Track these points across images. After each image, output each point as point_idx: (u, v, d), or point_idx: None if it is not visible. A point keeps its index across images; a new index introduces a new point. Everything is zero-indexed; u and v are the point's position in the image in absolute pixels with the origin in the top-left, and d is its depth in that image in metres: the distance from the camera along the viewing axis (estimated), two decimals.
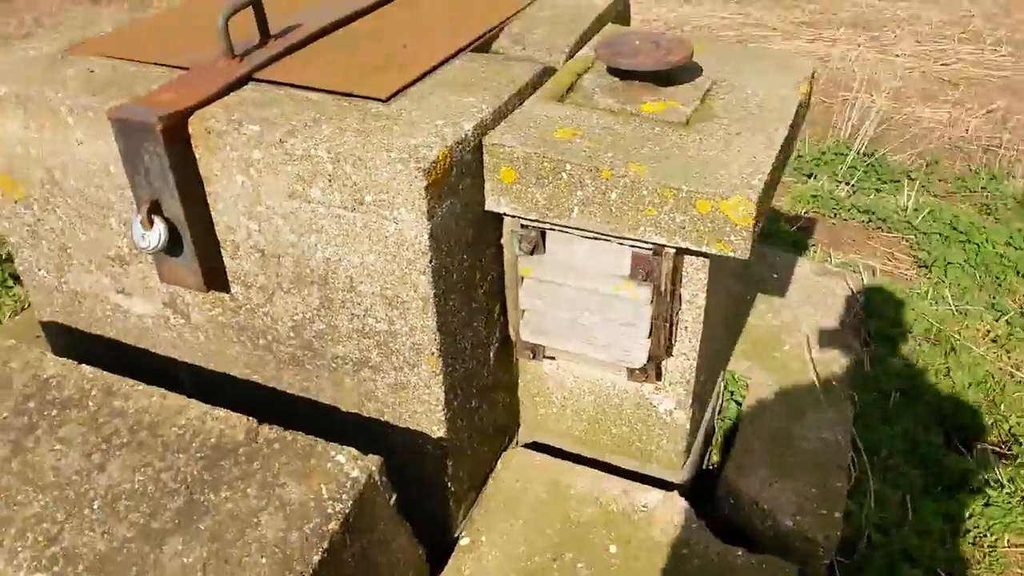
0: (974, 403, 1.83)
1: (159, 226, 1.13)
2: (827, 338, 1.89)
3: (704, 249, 1.17)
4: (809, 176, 3.39)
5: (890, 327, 2.02)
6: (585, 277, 1.30)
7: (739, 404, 1.66)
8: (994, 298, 2.36)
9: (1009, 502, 1.57)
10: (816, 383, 1.72)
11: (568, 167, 1.18)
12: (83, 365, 1.19)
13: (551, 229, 1.29)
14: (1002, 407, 1.83)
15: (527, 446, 1.55)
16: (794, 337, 1.87)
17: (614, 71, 1.44)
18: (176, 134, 1.10)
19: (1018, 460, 1.68)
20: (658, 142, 1.24)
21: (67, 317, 1.45)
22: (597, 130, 1.26)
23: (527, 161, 1.19)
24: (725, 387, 1.70)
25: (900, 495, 1.55)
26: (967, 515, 1.55)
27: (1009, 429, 1.78)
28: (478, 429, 1.40)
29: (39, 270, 1.41)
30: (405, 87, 1.26)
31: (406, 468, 1.33)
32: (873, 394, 1.74)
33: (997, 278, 2.51)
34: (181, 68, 1.26)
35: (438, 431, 1.27)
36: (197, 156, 1.15)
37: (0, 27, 5.74)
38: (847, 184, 3.27)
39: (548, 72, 1.44)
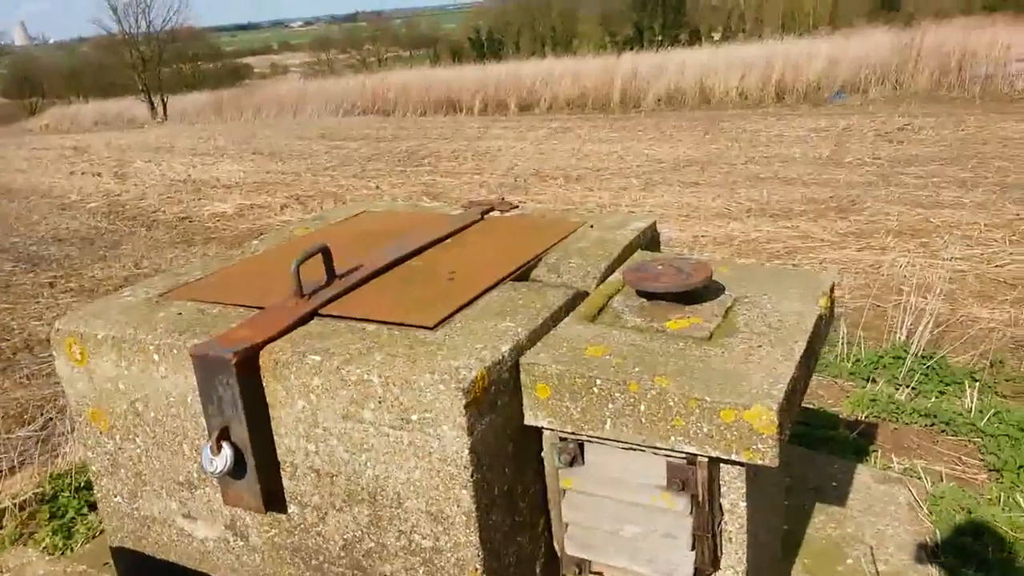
0: None
1: (227, 451, 1.24)
2: (893, 550, 1.81)
3: (734, 457, 1.20)
4: (867, 380, 3.37)
5: (961, 536, 1.92)
6: (624, 488, 1.34)
7: None
8: None
9: None
10: None
11: (599, 382, 1.26)
12: None
13: (588, 441, 1.35)
14: None
15: None
16: (857, 549, 1.80)
17: (641, 293, 1.57)
18: (248, 367, 1.25)
19: None
20: (683, 356, 1.32)
21: (135, 542, 1.53)
22: (625, 347, 1.36)
23: (561, 377, 1.28)
24: None
25: None
26: None
27: None
28: None
29: (115, 497, 1.53)
30: (450, 315, 1.40)
31: None
32: None
33: None
34: (257, 308, 1.44)
35: None
36: (264, 385, 1.28)
37: (109, 270, 6.45)
38: (907, 387, 3.24)
39: (580, 296, 1.58)
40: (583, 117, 14.45)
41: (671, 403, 1.22)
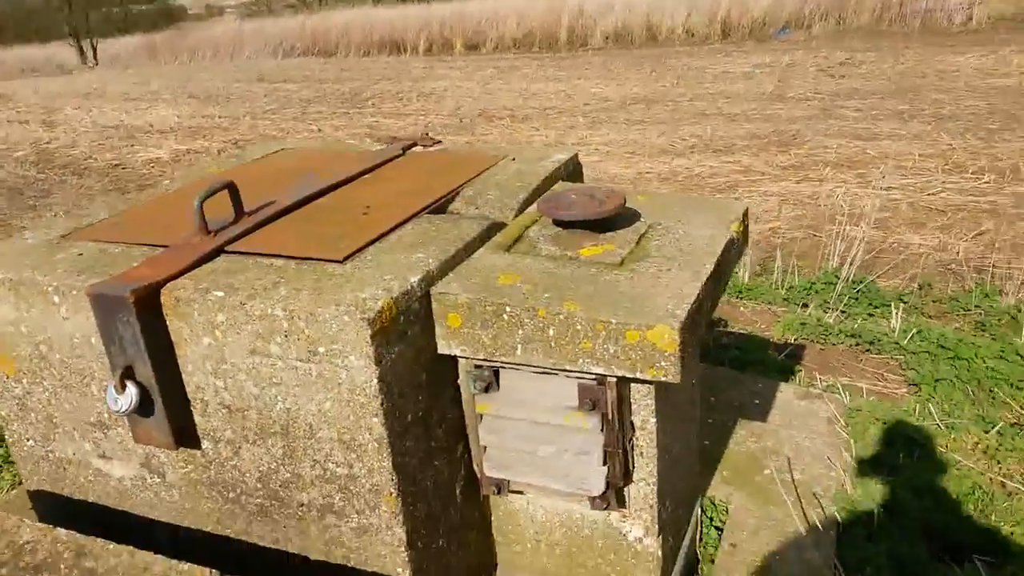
0: (963, 515, 1.79)
1: (131, 389, 1.23)
2: (809, 460, 1.89)
3: (639, 376, 1.23)
4: (800, 306, 3.47)
5: (874, 446, 2.02)
6: (538, 410, 1.36)
7: (720, 530, 1.65)
8: (985, 411, 2.35)
9: None
10: (798, 505, 1.71)
11: (508, 309, 1.27)
12: (58, 529, 1.24)
13: (502, 367, 1.37)
14: (992, 517, 1.79)
15: None
16: (775, 461, 1.87)
17: (558, 222, 1.57)
18: (147, 304, 1.23)
19: (1008, 569, 1.62)
20: (593, 281, 1.34)
21: (53, 485, 1.52)
22: (538, 274, 1.37)
23: (471, 306, 1.29)
24: (704, 513, 1.69)
25: None
26: None
27: (1000, 539, 1.73)
28: (449, 570, 1.41)
29: (27, 441, 1.51)
30: (361, 248, 1.39)
31: None
32: (857, 513, 1.72)
33: (990, 391, 2.50)
34: (162, 246, 1.41)
35: (404, 573, 1.29)
36: (168, 323, 1.26)
37: (39, 220, 6.22)
38: (837, 311, 3.34)
39: (497, 227, 1.58)
40: (530, 56, 14.22)
41: (579, 327, 1.24)
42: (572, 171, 1.96)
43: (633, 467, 1.39)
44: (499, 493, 1.45)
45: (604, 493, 1.36)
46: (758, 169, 6.35)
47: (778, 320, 3.29)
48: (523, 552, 1.53)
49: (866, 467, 1.92)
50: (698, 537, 1.65)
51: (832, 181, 5.82)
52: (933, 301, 3.56)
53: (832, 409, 2.13)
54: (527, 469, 1.39)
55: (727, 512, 1.68)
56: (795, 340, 3.04)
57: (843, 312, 3.34)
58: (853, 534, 1.66)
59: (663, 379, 1.21)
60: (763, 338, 3.09)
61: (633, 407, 1.36)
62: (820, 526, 1.64)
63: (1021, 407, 2.39)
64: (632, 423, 1.37)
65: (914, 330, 3.03)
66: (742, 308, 3.55)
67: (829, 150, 6.63)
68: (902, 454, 2.03)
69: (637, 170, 6.60)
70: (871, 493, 1.79)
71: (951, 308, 3.46)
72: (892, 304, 3.38)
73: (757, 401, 2.15)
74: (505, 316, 1.28)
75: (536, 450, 1.37)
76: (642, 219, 1.60)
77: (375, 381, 1.18)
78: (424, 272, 1.31)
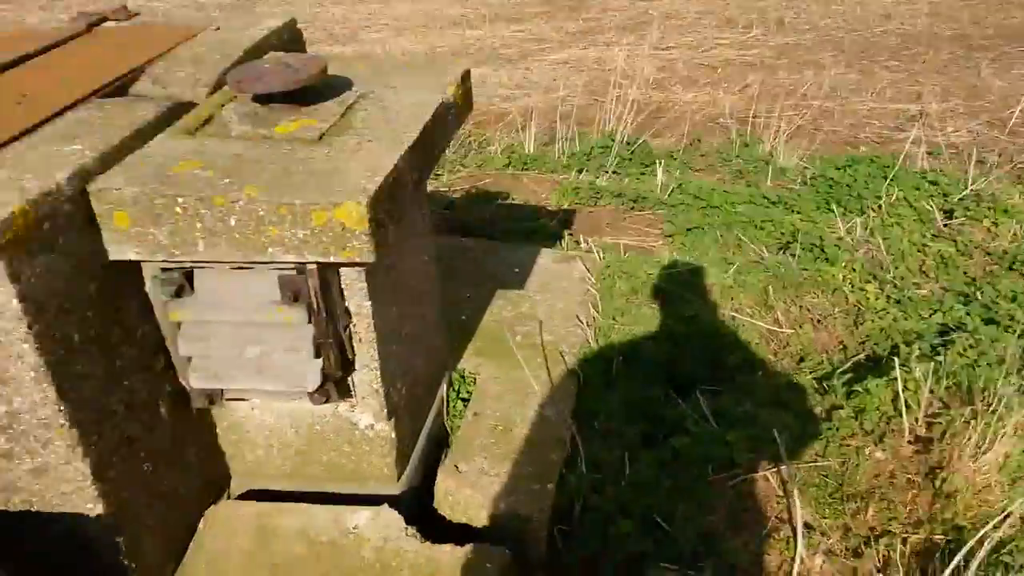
0: (694, 353, 1.91)
1: None
2: (559, 321, 1.93)
3: (333, 259, 1.14)
4: (579, 172, 3.51)
5: (620, 299, 2.10)
6: (239, 311, 1.25)
7: (466, 401, 1.66)
8: (730, 253, 2.51)
9: (713, 435, 1.64)
10: (543, 366, 1.74)
11: (181, 200, 1.13)
12: None
13: (195, 267, 1.24)
14: (719, 351, 1.93)
15: (242, 496, 1.47)
16: (527, 326, 1.89)
17: (256, 98, 1.41)
18: None
19: (727, 396, 1.76)
20: (284, 161, 1.22)
21: None
22: (223, 158, 1.22)
23: (137, 201, 1.13)
24: (452, 387, 1.69)
25: (619, 454, 1.59)
26: (677, 458, 1.60)
27: (724, 370, 1.88)
28: (162, 495, 1.31)
29: None
30: (2, 145, 1.17)
31: (76, 557, 1.22)
32: (598, 366, 1.79)
33: (737, 236, 2.67)
34: None
35: (96, 508, 1.17)
36: None
37: None
38: (611, 173, 3.41)
39: (185, 108, 1.39)
40: None
41: (262, 212, 1.12)
42: (289, 40, 1.77)
43: (353, 355, 1.33)
44: (212, 404, 1.35)
45: (322, 386, 1.29)
46: (548, 37, 6.29)
47: (554, 189, 3.31)
48: (256, 460, 1.46)
49: (611, 320, 1.99)
50: (445, 412, 1.65)
51: (617, 45, 5.88)
52: (700, 155, 3.73)
53: (584, 269, 2.18)
54: (238, 374, 1.29)
55: (475, 383, 1.69)
56: (568, 206, 3.08)
57: (616, 173, 3.42)
58: (593, 385, 1.72)
59: (358, 260, 1.14)
60: (539, 207, 3.11)
61: (346, 293, 1.29)
62: (561, 383, 1.69)
63: (762, 247, 2.57)
64: (347, 310, 1.30)
65: (675, 184, 3.16)
66: (524, 179, 3.54)
67: (614, 13, 6.68)
68: (646, 304, 2.12)
69: (429, 44, 6.34)
70: (612, 344, 1.86)
71: (716, 160, 3.64)
72: (663, 162, 3.49)
73: (517, 270, 2.16)
74: (179, 209, 1.13)
75: (243, 353, 1.27)
76: (353, 88, 1.47)
77: (15, 302, 1.02)
78: (78, 167, 1.13)
